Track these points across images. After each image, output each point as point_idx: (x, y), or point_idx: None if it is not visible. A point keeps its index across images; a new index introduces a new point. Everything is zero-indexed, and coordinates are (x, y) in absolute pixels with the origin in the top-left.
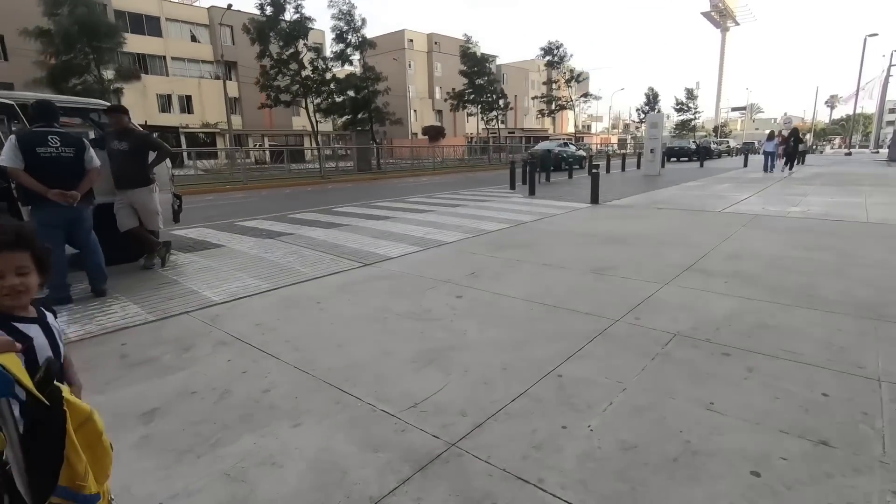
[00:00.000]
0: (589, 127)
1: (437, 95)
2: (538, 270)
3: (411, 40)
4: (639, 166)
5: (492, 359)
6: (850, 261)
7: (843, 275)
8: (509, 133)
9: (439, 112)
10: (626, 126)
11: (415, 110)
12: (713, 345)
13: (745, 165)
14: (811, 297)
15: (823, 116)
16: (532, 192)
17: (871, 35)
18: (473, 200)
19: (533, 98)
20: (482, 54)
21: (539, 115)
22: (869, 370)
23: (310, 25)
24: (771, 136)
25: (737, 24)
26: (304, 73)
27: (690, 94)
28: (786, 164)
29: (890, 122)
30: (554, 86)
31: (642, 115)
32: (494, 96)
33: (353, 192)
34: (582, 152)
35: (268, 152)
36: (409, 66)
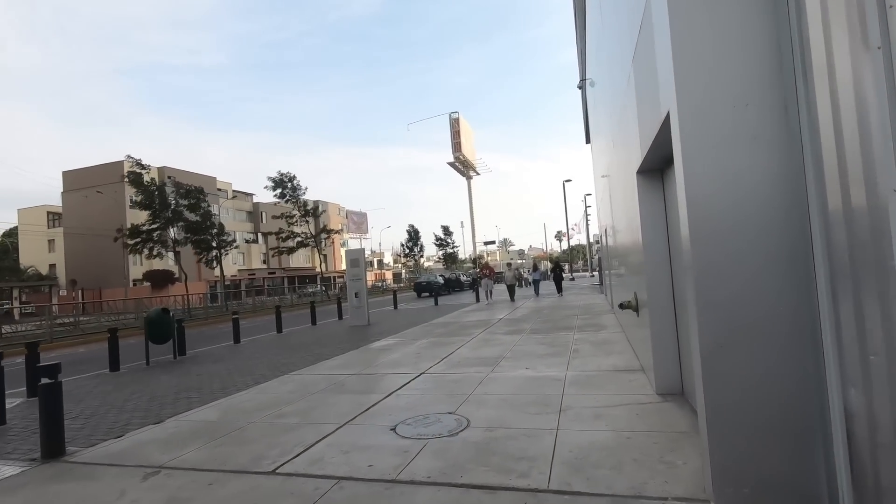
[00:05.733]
0: (373, 263)
1: (173, 234)
2: None
3: None
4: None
5: None
6: None
7: None
8: (269, 273)
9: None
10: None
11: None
12: None
13: (478, 301)
14: None
15: (557, 246)
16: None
17: (566, 181)
18: None
19: (264, 234)
20: (185, 185)
21: (276, 254)
22: None
23: None
24: (535, 267)
25: (477, 173)
26: None
27: (447, 231)
28: (558, 290)
29: (598, 251)
30: (290, 220)
31: (407, 250)
32: (211, 233)
33: None
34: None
35: None
36: (131, 201)
